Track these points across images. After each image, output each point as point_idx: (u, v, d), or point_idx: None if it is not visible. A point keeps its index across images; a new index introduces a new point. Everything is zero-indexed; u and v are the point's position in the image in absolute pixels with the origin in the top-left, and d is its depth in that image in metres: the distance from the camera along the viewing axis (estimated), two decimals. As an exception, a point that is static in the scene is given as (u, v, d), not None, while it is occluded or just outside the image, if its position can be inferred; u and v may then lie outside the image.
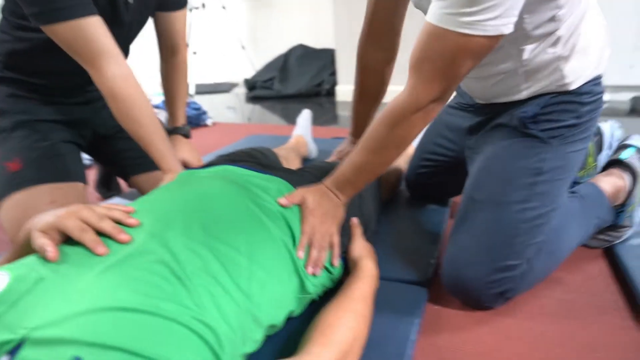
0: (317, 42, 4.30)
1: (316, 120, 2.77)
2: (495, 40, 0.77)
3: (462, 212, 1.04)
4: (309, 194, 0.92)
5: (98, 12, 1.08)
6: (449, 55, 0.79)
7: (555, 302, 1.03)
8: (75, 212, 0.66)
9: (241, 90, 4.34)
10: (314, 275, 0.85)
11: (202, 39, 4.75)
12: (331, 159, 1.40)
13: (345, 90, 3.51)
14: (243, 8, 4.71)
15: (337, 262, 0.92)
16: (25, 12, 1.06)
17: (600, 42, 0.98)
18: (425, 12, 0.86)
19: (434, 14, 0.78)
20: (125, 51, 1.38)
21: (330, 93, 3.70)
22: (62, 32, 1.05)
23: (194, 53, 4.59)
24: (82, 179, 1.31)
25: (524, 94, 1.00)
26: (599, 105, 1.01)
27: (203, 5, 4.50)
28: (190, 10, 4.37)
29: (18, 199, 1.17)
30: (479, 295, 0.97)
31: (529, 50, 0.93)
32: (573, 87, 0.96)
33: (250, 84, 4.15)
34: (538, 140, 0.98)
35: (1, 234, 1.55)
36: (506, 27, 0.76)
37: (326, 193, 0.96)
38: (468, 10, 0.73)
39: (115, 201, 1.63)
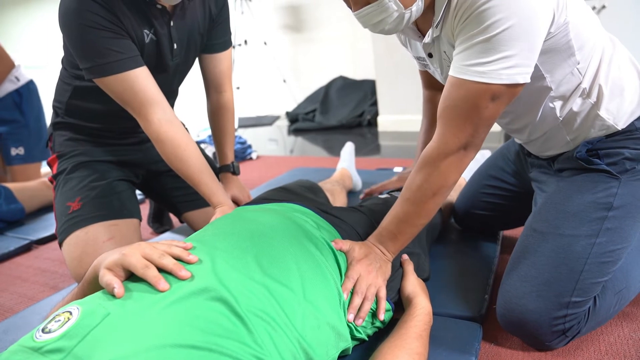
0: (357, 73, 4.36)
1: (359, 151, 2.79)
2: (512, 88, 0.80)
3: (522, 244, 1.00)
4: (357, 245, 0.94)
5: (144, 62, 1.15)
6: (470, 102, 0.82)
7: (624, 340, 0.97)
8: (139, 249, 0.69)
9: (283, 123, 4.42)
10: (354, 323, 0.86)
11: (245, 74, 4.91)
12: (392, 179, 1.42)
13: (386, 120, 3.52)
14: (284, 43, 4.85)
15: (382, 316, 0.91)
16: (79, 66, 1.14)
17: (633, 77, 0.96)
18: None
19: (455, 67, 0.83)
20: (174, 93, 1.44)
21: (372, 123, 3.71)
22: (112, 84, 1.12)
23: (238, 88, 4.75)
24: (137, 215, 1.37)
25: (571, 145, 1.00)
26: None
27: (245, 42, 4.67)
28: (234, 47, 4.54)
29: (78, 236, 1.23)
30: (539, 333, 0.92)
31: (559, 106, 0.95)
32: (621, 126, 0.94)
33: (292, 117, 4.23)
34: (607, 174, 0.95)
35: (64, 268, 1.64)
36: (521, 76, 0.79)
37: (372, 249, 0.96)
38: (483, 60, 0.78)
39: (167, 236, 1.69)
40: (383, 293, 0.91)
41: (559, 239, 0.93)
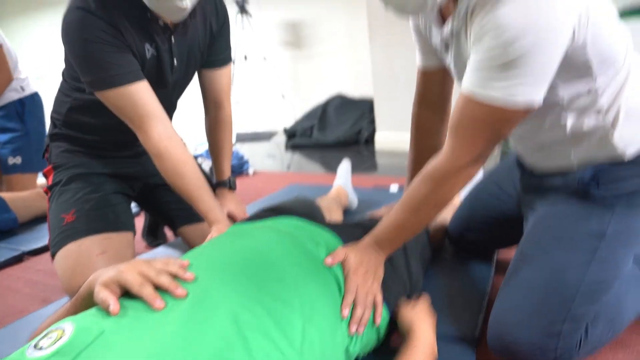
0: (355, 90, 4.39)
1: (356, 169, 2.79)
2: (525, 111, 0.80)
3: (513, 269, 0.99)
4: (351, 252, 0.93)
5: (145, 77, 1.16)
6: (484, 121, 0.82)
7: (616, 367, 0.96)
8: (135, 266, 0.69)
9: (281, 139, 4.44)
10: (357, 333, 0.85)
11: (244, 89, 4.94)
12: (381, 211, 1.40)
13: (384, 138, 3.53)
14: (283, 59, 4.89)
15: (379, 320, 0.91)
16: (81, 79, 1.15)
17: None
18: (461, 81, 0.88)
19: (468, 82, 0.82)
20: (172, 106, 1.45)
21: (369, 141, 3.73)
22: (112, 97, 1.13)
23: (237, 102, 4.77)
24: (132, 228, 1.36)
25: (574, 163, 0.97)
26: None
27: (245, 57, 4.71)
28: (233, 62, 4.58)
29: (71, 249, 1.22)
30: (529, 360, 0.91)
31: (570, 121, 0.92)
32: (628, 156, 0.92)
33: (290, 133, 4.24)
34: (600, 202, 0.94)
35: (56, 281, 1.62)
36: (535, 97, 0.79)
37: (367, 250, 0.96)
38: (498, 76, 0.77)
39: (161, 250, 1.68)
40: (379, 298, 0.92)
41: (550, 266, 0.92)
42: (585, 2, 0.77)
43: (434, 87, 1.20)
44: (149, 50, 1.18)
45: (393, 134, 3.46)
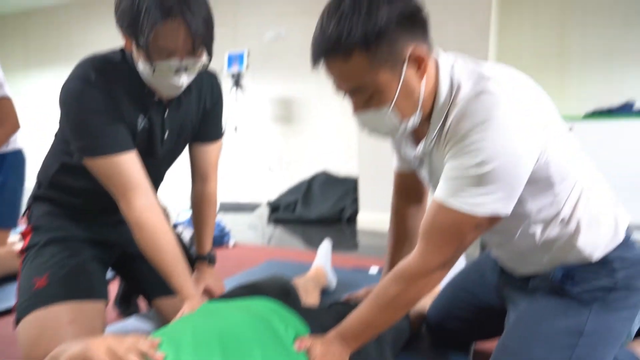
0: (341, 168, 4.49)
1: (336, 247, 2.79)
2: (494, 219, 0.86)
3: None
4: (318, 342, 0.93)
5: (135, 147, 1.19)
6: (454, 228, 0.87)
7: None
8: (104, 343, 0.67)
9: (264, 211, 4.44)
10: None
11: (232, 159, 5.01)
12: (360, 293, 1.39)
13: (366, 217, 3.57)
14: (273, 133, 5.02)
15: None
16: (72, 145, 1.17)
17: (609, 210, 1.00)
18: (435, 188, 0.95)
19: (442, 192, 0.88)
20: (160, 177, 1.46)
21: (352, 220, 3.76)
22: (100, 165, 1.15)
23: (223, 173, 4.81)
24: (105, 297, 1.32)
25: (548, 267, 1.03)
26: (638, 270, 0.99)
27: (236, 129, 4.82)
28: (223, 132, 4.68)
29: (38, 316, 1.17)
30: None
31: (538, 232, 0.98)
32: (595, 258, 0.98)
33: (274, 206, 4.26)
34: (578, 301, 0.97)
35: (14, 350, 1.53)
36: (504, 209, 0.85)
37: (333, 343, 0.96)
38: (471, 192, 0.84)
39: (133, 322, 1.62)
40: None
41: None
42: (545, 130, 0.87)
43: (409, 185, 1.26)
44: (141, 122, 1.22)
45: (376, 215, 3.50)
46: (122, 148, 1.15)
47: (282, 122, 5.00)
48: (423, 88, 0.89)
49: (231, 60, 4.58)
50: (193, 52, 1.07)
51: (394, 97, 0.87)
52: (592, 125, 3.25)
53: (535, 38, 3.91)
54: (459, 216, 0.85)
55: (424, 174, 1.07)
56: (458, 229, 0.87)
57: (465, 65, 0.92)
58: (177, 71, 1.10)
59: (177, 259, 1.19)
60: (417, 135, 1.02)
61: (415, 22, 0.85)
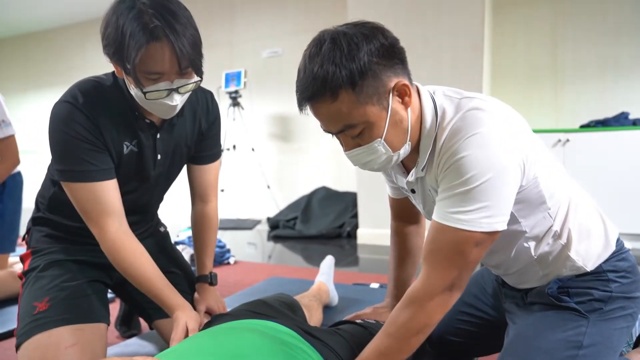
0: (339, 184, 4.50)
1: (337, 263, 2.78)
2: (492, 235, 0.87)
3: None
4: None
5: (123, 171, 1.20)
6: (454, 247, 0.87)
7: None
8: None
9: (264, 228, 4.44)
10: None
11: (230, 178, 5.02)
12: (366, 310, 1.39)
13: (366, 233, 3.56)
14: (271, 150, 5.04)
15: None
16: (54, 165, 1.18)
17: (598, 222, 1.03)
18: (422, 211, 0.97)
19: (439, 214, 0.89)
20: (158, 199, 1.46)
21: (352, 235, 3.75)
22: (77, 190, 1.16)
23: (222, 190, 4.82)
24: (106, 319, 1.31)
25: (544, 281, 1.04)
26: (632, 280, 1.01)
27: (234, 147, 4.84)
28: (222, 150, 4.70)
29: (39, 340, 1.17)
30: None
31: (532, 247, 1.00)
32: (589, 268, 0.99)
33: (273, 223, 4.25)
34: (576, 313, 0.98)
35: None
36: (499, 224, 0.86)
37: None
38: (464, 209, 0.85)
39: (134, 342, 1.61)
40: None
41: None
42: (526, 145, 0.89)
43: (405, 209, 1.28)
44: (127, 147, 1.22)
45: (375, 230, 3.49)
46: (101, 177, 1.16)
47: (279, 140, 5.02)
48: (410, 116, 0.92)
49: (228, 79, 4.63)
50: (181, 73, 1.07)
51: (384, 130, 0.90)
52: (588, 136, 3.28)
53: (528, 53, 3.95)
54: (457, 235, 0.86)
55: (416, 202, 1.09)
56: (459, 249, 0.87)
57: (445, 92, 0.96)
58: (169, 94, 1.09)
59: (158, 276, 1.20)
60: (407, 165, 1.05)
61: (393, 55, 0.88)
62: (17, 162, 2.21)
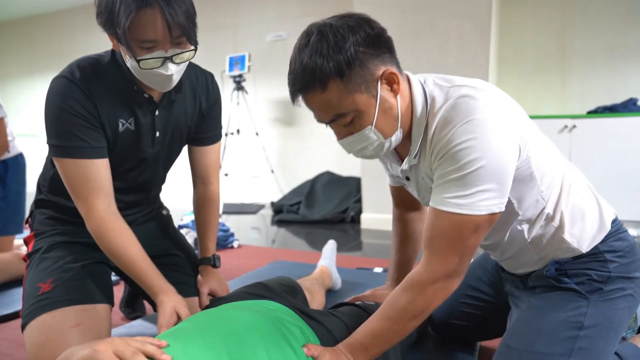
0: (343, 169, 4.49)
1: (340, 248, 2.79)
2: (490, 218, 0.88)
3: None
4: (327, 353, 0.93)
5: (119, 149, 1.19)
6: (454, 232, 0.88)
7: None
8: (111, 346, 0.67)
9: (267, 212, 4.45)
10: None
11: (234, 162, 5.02)
12: (365, 293, 1.39)
13: (370, 218, 3.57)
14: (275, 135, 5.03)
15: None
16: (46, 140, 1.17)
17: (591, 203, 1.03)
18: (427, 204, 0.97)
19: (435, 200, 0.91)
20: (160, 180, 1.46)
21: (355, 220, 3.76)
22: (68, 166, 1.16)
23: (226, 175, 4.82)
24: (110, 301, 1.32)
25: (540, 264, 1.05)
26: (631, 260, 1.01)
27: (238, 131, 4.83)
28: (226, 135, 4.69)
29: (44, 320, 1.18)
30: None
31: (526, 229, 1.01)
32: (585, 249, 1.00)
33: (277, 207, 4.26)
34: (576, 293, 0.99)
35: (22, 353, 1.54)
36: (497, 206, 0.87)
37: (340, 358, 0.95)
38: (461, 194, 0.86)
39: (139, 324, 1.62)
40: None
41: (532, 358, 0.94)
42: (519, 124, 0.90)
43: (405, 196, 1.29)
44: (122, 125, 1.21)
45: (379, 215, 3.50)
46: (93, 154, 1.16)
47: (283, 124, 5.01)
48: (399, 104, 0.93)
49: (232, 63, 4.60)
50: (174, 42, 1.07)
51: (373, 117, 0.91)
52: (596, 123, 3.25)
53: (536, 37, 3.90)
54: (456, 219, 0.87)
55: (411, 189, 1.10)
56: (458, 233, 0.88)
57: (435, 81, 0.96)
58: (164, 63, 1.09)
59: (142, 258, 1.20)
60: (401, 154, 1.06)
61: (380, 45, 0.90)
62: (5, 146, 2.16)
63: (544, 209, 0.99)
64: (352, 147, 0.96)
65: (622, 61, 3.64)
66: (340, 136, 0.96)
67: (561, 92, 3.87)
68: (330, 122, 0.94)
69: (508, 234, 1.03)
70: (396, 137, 0.95)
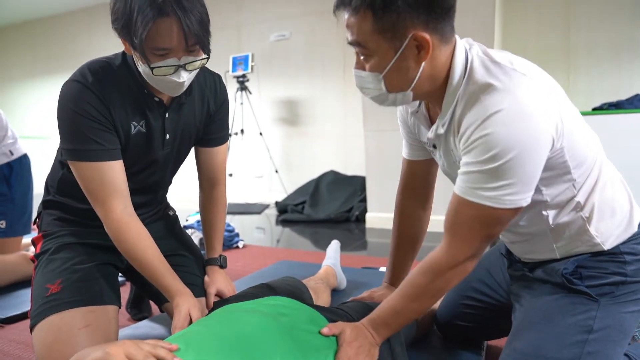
0: (347, 168, 4.49)
1: (345, 247, 2.79)
2: (515, 211, 0.87)
3: None
4: (348, 327, 0.97)
5: (131, 151, 1.20)
6: (476, 222, 0.89)
7: None
8: (123, 348, 0.68)
9: (272, 212, 4.45)
10: None
11: (238, 162, 5.03)
12: (363, 295, 1.39)
13: (374, 217, 3.57)
14: (279, 135, 5.03)
15: None
16: (60, 145, 1.18)
17: (624, 201, 1.00)
18: (452, 179, 0.97)
19: (460, 187, 0.90)
20: (167, 181, 1.47)
21: (360, 219, 3.76)
22: (84, 169, 1.17)
23: (230, 175, 4.83)
24: (117, 302, 1.33)
25: (557, 253, 1.03)
26: None
27: (242, 131, 4.84)
28: (230, 135, 4.70)
29: (52, 321, 1.18)
30: None
31: (552, 215, 0.99)
32: (607, 247, 0.98)
33: (281, 207, 4.27)
34: (586, 296, 0.97)
35: (31, 354, 1.55)
36: (524, 200, 0.86)
37: (363, 331, 0.99)
38: (488, 186, 0.85)
39: (145, 324, 1.63)
40: None
41: None
42: (558, 113, 0.86)
43: (417, 175, 1.27)
44: (135, 127, 1.23)
45: (384, 215, 3.49)
46: (108, 157, 1.17)
47: (287, 124, 5.01)
48: (421, 70, 0.90)
49: (236, 63, 4.61)
50: (188, 50, 1.08)
51: (385, 68, 0.90)
52: (601, 119, 3.23)
53: (540, 32, 3.89)
54: (481, 210, 0.87)
55: (438, 157, 1.08)
56: (483, 222, 0.89)
57: (484, 57, 0.93)
58: (177, 70, 1.10)
59: (160, 260, 1.21)
60: (432, 118, 1.05)
61: (432, 9, 0.86)
62: None
63: (574, 197, 0.96)
64: (359, 82, 0.97)
65: (628, 57, 3.62)
66: (356, 65, 0.96)
67: (566, 88, 3.83)
68: (351, 43, 0.93)
69: (530, 217, 1.00)
70: (403, 95, 0.94)
